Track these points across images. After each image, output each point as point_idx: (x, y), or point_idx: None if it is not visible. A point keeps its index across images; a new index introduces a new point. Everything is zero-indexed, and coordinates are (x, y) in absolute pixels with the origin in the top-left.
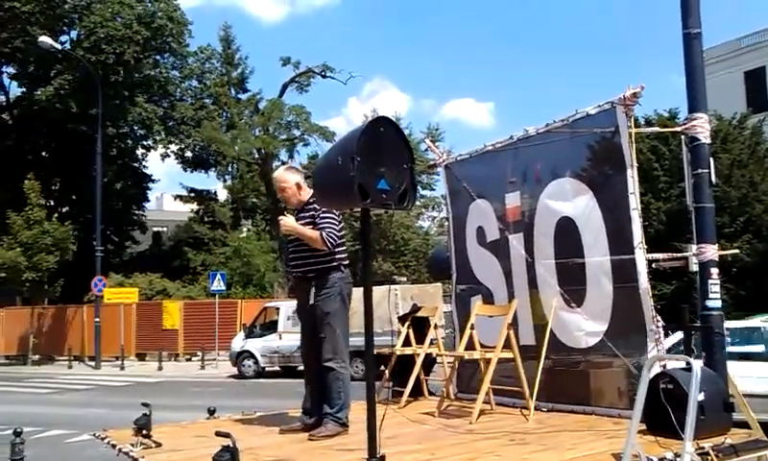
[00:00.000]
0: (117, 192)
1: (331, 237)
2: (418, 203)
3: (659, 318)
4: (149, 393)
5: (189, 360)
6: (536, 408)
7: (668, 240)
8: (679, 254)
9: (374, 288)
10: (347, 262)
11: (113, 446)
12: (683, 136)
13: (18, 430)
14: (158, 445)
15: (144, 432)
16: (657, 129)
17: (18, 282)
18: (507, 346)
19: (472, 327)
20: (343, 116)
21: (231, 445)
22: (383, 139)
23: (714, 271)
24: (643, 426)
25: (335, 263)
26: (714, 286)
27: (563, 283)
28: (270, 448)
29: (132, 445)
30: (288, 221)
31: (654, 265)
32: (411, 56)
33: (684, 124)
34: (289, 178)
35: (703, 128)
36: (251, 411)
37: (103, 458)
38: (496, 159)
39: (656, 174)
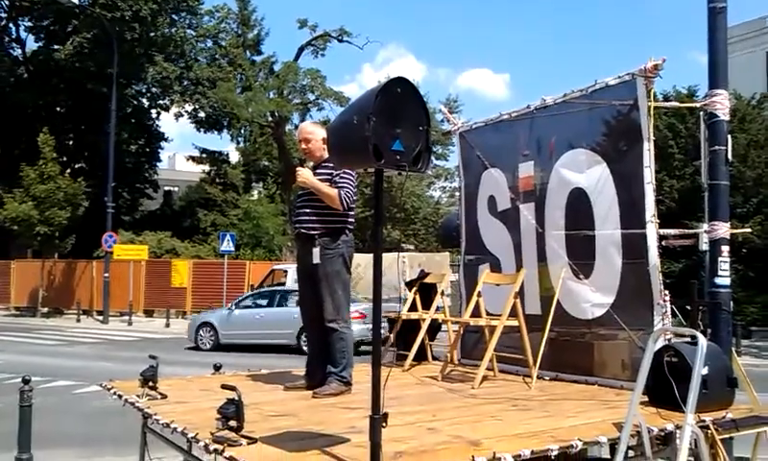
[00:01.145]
0: (130, 151)
1: (348, 197)
2: (430, 172)
3: (666, 293)
4: (155, 348)
5: None
6: (539, 377)
7: (680, 218)
8: (690, 231)
9: (383, 255)
10: (352, 227)
11: (119, 396)
12: (701, 113)
13: (27, 378)
14: (164, 396)
15: (150, 384)
16: (676, 104)
17: (30, 236)
18: (513, 314)
19: (479, 295)
20: (356, 82)
21: (236, 397)
22: (400, 100)
23: (725, 249)
24: (646, 399)
25: (343, 225)
26: (724, 264)
27: (572, 255)
28: (274, 404)
29: (138, 396)
30: (306, 173)
31: (663, 243)
32: (428, 22)
33: (704, 100)
34: (316, 131)
35: (722, 104)
36: (256, 368)
37: (109, 409)
38: (512, 129)
39: (671, 151)
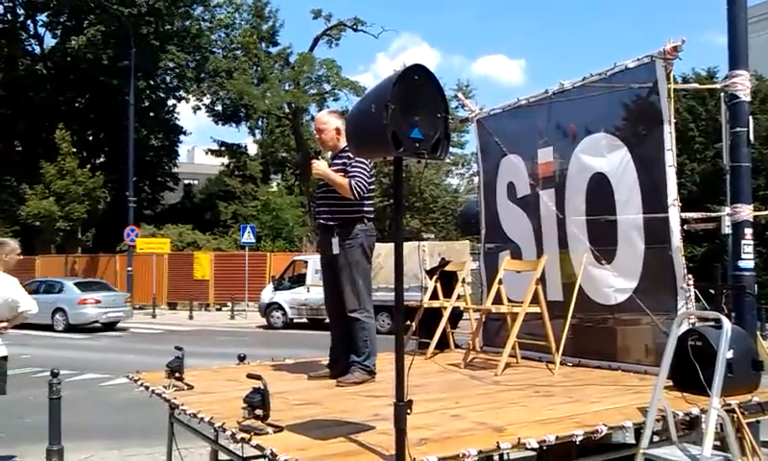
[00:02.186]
0: (150, 144)
1: (360, 186)
2: (447, 160)
3: (690, 277)
4: (180, 340)
5: (219, 310)
6: (562, 363)
7: (701, 202)
8: (712, 214)
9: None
10: (371, 216)
11: (146, 387)
12: (722, 94)
13: (56, 371)
14: (190, 387)
15: (177, 375)
16: (696, 85)
17: (52, 231)
18: (535, 301)
19: (500, 282)
20: (371, 72)
21: (262, 386)
22: (418, 87)
23: (748, 231)
24: (670, 383)
25: (359, 214)
26: (747, 246)
27: (593, 240)
28: (299, 393)
29: (165, 386)
30: (320, 165)
31: (685, 227)
32: (442, 10)
33: (724, 81)
34: (330, 120)
35: (743, 85)
36: (280, 359)
37: (136, 401)
38: (530, 114)
39: (691, 134)
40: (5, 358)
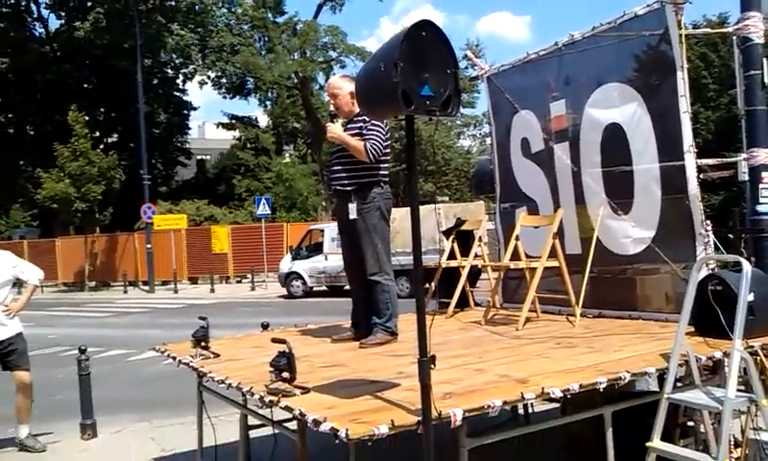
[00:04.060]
0: (160, 121)
1: (375, 149)
2: (458, 121)
3: (708, 223)
4: (203, 313)
5: (239, 282)
6: (582, 315)
7: (717, 150)
8: (728, 160)
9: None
10: (387, 179)
11: (173, 358)
12: (734, 38)
13: (83, 348)
14: (217, 355)
15: (202, 344)
16: (708, 30)
17: (69, 213)
18: (553, 255)
19: (517, 239)
20: (375, 37)
21: (287, 350)
22: (426, 44)
23: (766, 175)
24: (692, 329)
25: (376, 178)
26: (765, 191)
27: (609, 191)
28: (323, 356)
29: (192, 356)
30: (335, 128)
31: (702, 175)
32: None
33: (736, 24)
34: (343, 85)
35: (756, 28)
36: (303, 324)
37: (163, 374)
38: (540, 69)
39: (704, 82)
40: (20, 334)
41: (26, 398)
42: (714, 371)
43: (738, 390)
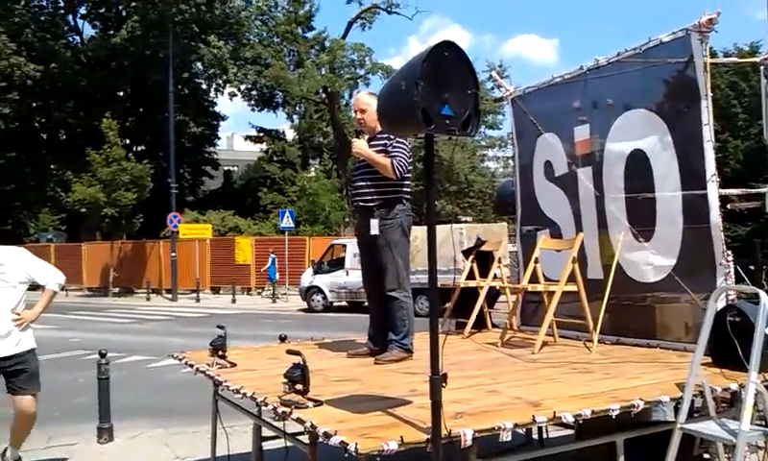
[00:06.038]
0: (190, 132)
1: (401, 166)
2: (483, 143)
3: (729, 253)
4: (223, 323)
5: (261, 294)
6: (599, 341)
7: (746, 180)
8: (755, 190)
9: (438, 227)
10: (409, 197)
11: (191, 365)
12: (762, 67)
13: (104, 352)
14: (233, 365)
15: (220, 353)
16: (734, 59)
17: (98, 218)
18: (572, 280)
19: (536, 261)
20: (402, 55)
21: (302, 362)
22: (447, 64)
23: None
24: (708, 360)
25: (399, 195)
26: None
27: (631, 218)
28: (338, 371)
29: (209, 364)
30: (360, 144)
31: (729, 206)
32: None
33: (765, 54)
34: (371, 101)
35: None
36: (319, 338)
37: (182, 382)
38: (565, 92)
39: (734, 111)
40: (32, 351)
41: (25, 428)
42: (731, 403)
43: (757, 424)
